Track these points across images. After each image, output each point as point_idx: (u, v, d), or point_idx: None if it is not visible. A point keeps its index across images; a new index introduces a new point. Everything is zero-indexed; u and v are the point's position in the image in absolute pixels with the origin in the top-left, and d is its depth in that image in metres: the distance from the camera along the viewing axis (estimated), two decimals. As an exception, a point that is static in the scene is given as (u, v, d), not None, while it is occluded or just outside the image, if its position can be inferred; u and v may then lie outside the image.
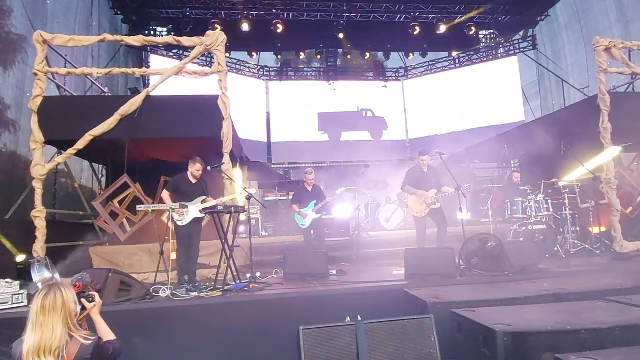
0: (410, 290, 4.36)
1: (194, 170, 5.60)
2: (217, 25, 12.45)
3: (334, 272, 5.86)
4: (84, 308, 2.47)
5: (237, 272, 5.28)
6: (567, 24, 13.80)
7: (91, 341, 2.30)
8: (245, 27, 13.30)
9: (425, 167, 6.60)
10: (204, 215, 5.55)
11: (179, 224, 5.42)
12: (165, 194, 5.56)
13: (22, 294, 4.48)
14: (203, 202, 5.55)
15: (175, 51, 14.64)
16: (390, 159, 16.85)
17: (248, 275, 5.32)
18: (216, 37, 6.32)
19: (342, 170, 15.31)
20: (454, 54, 17.09)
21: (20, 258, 5.01)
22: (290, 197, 8.43)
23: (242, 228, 7.71)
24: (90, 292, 2.55)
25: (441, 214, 6.43)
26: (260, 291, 4.83)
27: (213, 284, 5.06)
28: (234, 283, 5.05)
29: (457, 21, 14.20)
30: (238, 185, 6.02)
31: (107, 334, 2.51)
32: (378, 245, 8.11)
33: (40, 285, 4.56)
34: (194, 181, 5.65)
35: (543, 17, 14.68)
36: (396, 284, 4.88)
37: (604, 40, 7.13)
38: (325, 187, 8.01)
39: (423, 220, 6.47)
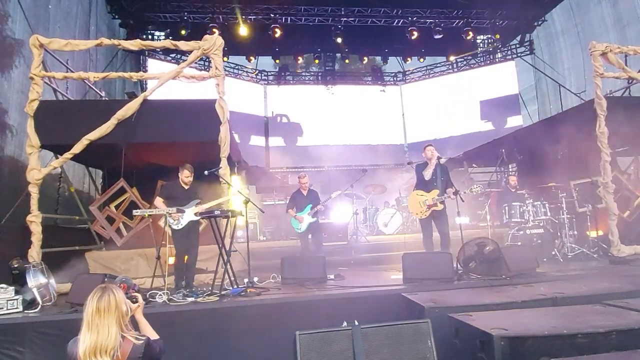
0: (408, 295, 4.36)
1: (183, 177, 5.62)
2: (214, 30, 12.49)
3: (332, 276, 5.85)
4: (131, 309, 2.53)
5: (234, 276, 5.26)
6: (563, 29, 13.89)
7: (142, 341, 2.37)
8: (243, 31, 13.34)
9: (434, 160, 6.17)
10: (199, 218, 5.53)
11: (174, 227, 5.40)
12: (159, 201, 5.54)
13: (17, 299, 4.45)
14: (197, 205, 5.53)
15: (173, 55, 14.67)
16: (388, 163, 16.92)
17: (245, 280, 5.29)
18: (214, 41, 6.32)
19: (340, 174, 15.31)
20: (452, 58, 17.15)
21: (16, 263, 4.97)
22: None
23: (239, 232, 7.69)
24: (132, 294, 2.64)
25: (444, 219, 6.15)
26: (258, 296, 4.82)
27: (210, 288, 5.04)
28: (231, 288, 5.03)
29: (454, 25, 14.25)
30: (234, 189, 5.99)
31: (151, 334, 2.57)
32: (376, 249, 8.09)
33: (35, 291, 4.55)
34: (186, 187, 5.65)
35: (540, 22, 14.76)
36: (394, 289, 4.87)
37: (601, 45, 7.16)
38: (323, 191, 8.02)
39: (427, 221, 6.19)
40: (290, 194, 7.58)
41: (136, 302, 2.60)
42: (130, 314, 2.49)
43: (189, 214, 5.46)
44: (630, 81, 8.00)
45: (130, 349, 2.30)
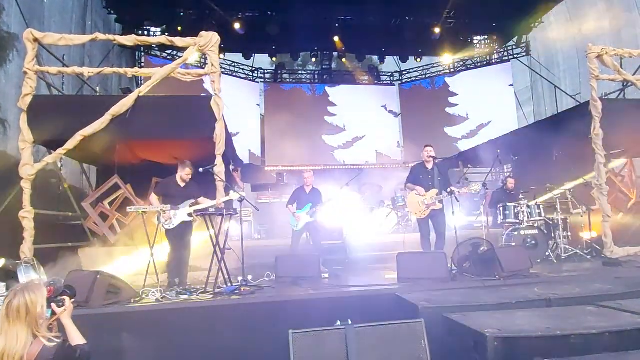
0: (402, 295, 4.35)
1: (184, 174, 5.57)
2: (211, 25, 12.39)
3: (327, 275, 5.83)
4: (54, 312, 2.47)
5: (228, 275, 5.24)
6: (560, 31, 13.94)
7: (55, 343, 2.30)
8: (239, 28, 13.28)
9: (429, 164, 6.22)
10: (191, 219, 5.50)
11: (166, 227, 5.37)
12: (154, 198, 5.52)
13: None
14: (192, 206, 5.49)
15: (169, 52, 14.58)
16: (384, 163, 16.94)
17: (239, 279, 5.26)
18: (210, 37, 6.27)
19: (336, 174, 15.30)
20: (449, 59, 17.16)
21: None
22: (283, 200, 8.37)
23: (234, 231, 7.64)
24: (61, 297, 2.52)
25: (442, 220, 6.15)
26: (252, 294, 4.79)
27: (204, 287, 5.01)
28: (225, 286, 5.00)
29: (450, 26, 14.24)
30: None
31: (77, 339, 2.51)
32: (371, 248, 8.08)
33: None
34: (182, 185, 5.60)
35: (537, 24, 14.81)
36: (388, 288, 4.86)
37: (597, 47, 7.18)
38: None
39: (425, 221, 6.18)
40: (285, 192, 7.52)
41: (62, 305, 2.51)
42: (54, 318, 2.46)
43: (182, 214, 5.42)
44: (625, 84, 8.04)
45: (39, 351, 2.24)
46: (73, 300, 2.62)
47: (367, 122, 17.50)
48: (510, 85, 16.27)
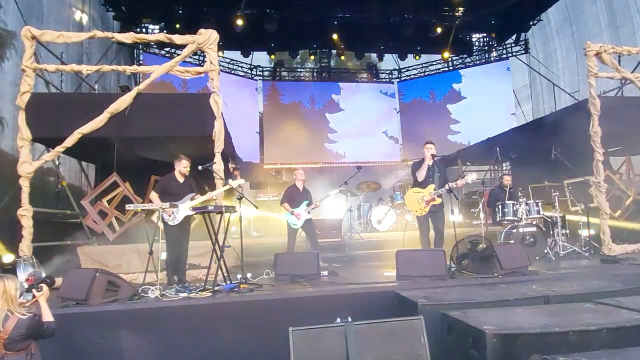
0: (401, 292, 4.36)
1: (181, 167, 5.55)
2: (209, 22, 12.35)
3: (325, 273, 5.84)
4: (34, 296, 3.05)
5: (227, 272, 5.24)
6: (558, 29, 13.97)
7: (27, 316, 2.91)
8: (238, 25, 13.25)
9: (429, 160, 6.19)
10: (194, 213, 5.49)
11: (170, 223, 5.36)
12: (154, 195, 5.49)
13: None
14: (192, 199, 5.49)
15: (167, 49, 14.55)
16: (383, 160, 16.95)
17: (238, 276, 5.27)
18: (208, 35, 6.25)
19: (334, 171, 15.32)
20: (447, 56, 17.15)
21: (8, 258, 4.90)
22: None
23: (233, 228, 7.64)
24: (39, 284, 3.12)
25: (441, 217, 6.14)
26: (251, 292, 4.80)
27: (203, 284, 5.01)
28: (224, 284, 5.01)
29: (449, 24, 14.23)
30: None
31: (47, 316, 3.03)
32: (370, 246, 8.09)
33: (25, 285, 4.50)
34: (181, 180, 5.59)
35: (535, 22, 14.82)
36: (387, 286, 4.88)
37: (595, 45, 7.19)
38: (317, 188, 8.00)
39: (424, 219, 6.14)
40: (284, 189, 7.48)
41: (41, 291, 3.07)
42: (34, 300, 3.03)
43: (184, 209, 5.41)
44: (623, 81, 8.04)
45: (15, 323, 2.84)
46: (51, 287, 3.22)
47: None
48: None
